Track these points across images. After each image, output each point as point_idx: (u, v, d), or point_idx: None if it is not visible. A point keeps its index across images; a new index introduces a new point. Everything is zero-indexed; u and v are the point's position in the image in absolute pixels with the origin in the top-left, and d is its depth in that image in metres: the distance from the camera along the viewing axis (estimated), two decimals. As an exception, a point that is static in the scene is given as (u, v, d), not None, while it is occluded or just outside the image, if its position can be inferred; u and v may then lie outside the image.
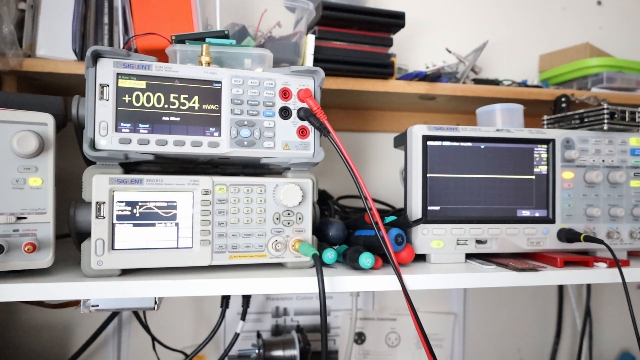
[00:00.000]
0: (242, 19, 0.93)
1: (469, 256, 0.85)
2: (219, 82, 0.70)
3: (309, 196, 0.73)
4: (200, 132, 0.69)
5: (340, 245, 0.82)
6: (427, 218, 0.80)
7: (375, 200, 1.21)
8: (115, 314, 1.12)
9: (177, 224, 0.68)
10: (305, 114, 0.72)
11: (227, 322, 1.21)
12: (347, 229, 0.82)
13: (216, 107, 0.70)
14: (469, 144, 0.82)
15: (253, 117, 0.71)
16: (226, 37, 0.79)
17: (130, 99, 0.66)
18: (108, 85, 0.65)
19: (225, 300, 0.99)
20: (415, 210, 0.80)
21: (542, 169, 0.84)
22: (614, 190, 0.86)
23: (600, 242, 0.78)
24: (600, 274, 0.79)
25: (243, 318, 1.03)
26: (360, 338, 1.30)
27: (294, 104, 0.73)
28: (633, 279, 0.79)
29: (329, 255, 0.71)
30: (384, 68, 1.02)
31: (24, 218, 0.63)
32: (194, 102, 0.69)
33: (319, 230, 0.81)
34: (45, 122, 0.64)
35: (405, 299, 0.66)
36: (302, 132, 0.74)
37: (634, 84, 1.20)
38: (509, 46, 1.40)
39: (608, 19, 1.48)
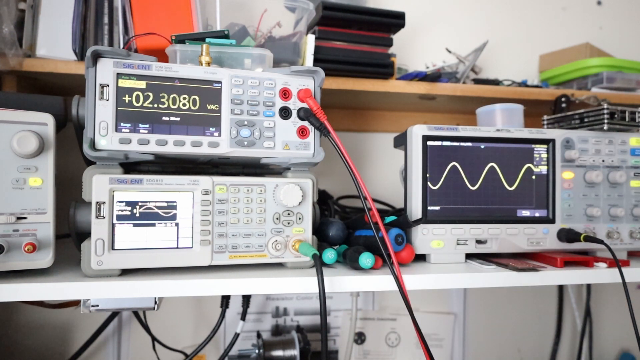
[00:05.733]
0: (242, 19, 0.93)
1: (469, 256, 0.85)
2: (219, 82, 0.70)
3: (309, 196, 0.73)
4: (200, 132, 0.69)
5: (340, 245, 0.82)
6: (427, 218, 0.80)
7: (375, 200, 1.21)
8: (115, 314, 1.12)
9: (177, 224, 0.68)
10: (305, 114, 0.72)
11: (227, 322, 1.21)
12: (347, 229, 0.82)
13: (216, 107, 0.70)
14: (469, 144, 0.82)
15: (253, 117, 0.71)
16: (226, 37, 0.79)
17: (130, 99, 0.66)
18: (108, 85, 0.65)
19: (225, 300, 0.99)
20: (415, 210, 0.80)
21: (542, 169, 0.84)
22: (614, 190, 0.86)
23: (600, 242, 0.78)
24: (600, 274, 0.79)
25: (243, 318, 1.03)
26: (360, 338, 1.30)
27: (294, 104, 0.73)
28: (633, 279, 0.79)
29: (329, 255, 0.71)
30: (384, 68, 1.02)
31: (24, 218, 0.63)
32: (194, 102, 0.69)
33: (319, 230, 0.81)
34: (45, 122, 0.64)
35: (404, 300, 0.66)
36: (302, 132, 0.74)
37: (634, 84, 1.20)
38: (509, 46, 1.40)
39: (608, 19, 1.48)
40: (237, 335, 1.03)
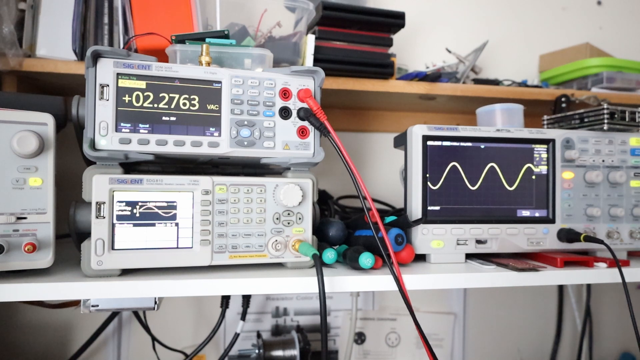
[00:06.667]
0: (242, 19, 0.93)
1: (469, 256, 0.85)
2: (219, 82, 0.70)
3: (309, 196, 0.73)
4: (200, 132, 0.69)
5: (340, 245, 0.82)
6: (427, 218, 0.80)
7: (375, 200, 1.21)
8: (115, 314, 1.12)
9: (177, 224, 0.68)
10: (305, 114, 0.72)
11: (227, 322, 1.21)
12: (347, 229, 0.82)
13: (216, 107, 0.70)
14: (469, 144, 0.82)
15: (253, 117, 0.71)
16: (226, 37, 0.79)
17: (130, 99, 0.66)
18: (108, 85, 0.65)
19: (225, 300, 0.99)
20: (415, 210, 0.80)
21: (542, 169, 0.84)
22: (614, 190, 0.86)
23: (600, 242, 0.78)
24: (600, 274, 0.79)
25: (243, 318, 1.03)
26: (360, 338, 1.30)
27: (294, 104, 0.73)
28: (633, 279, 0.79)
29: (329, 255, 0.71)
30: (384, 68, 1.02)
31: (24, 218, 0.63)
32: (194, 102, 0.69)
33: (319, 230, 0.81)
34: (45, 122, 0.64)
35: (404, 300, 0.66)
36: (302, 132, 0.74)
37: (634, 84, 1.20)
38: (509, 46, 1.40)
39: (608, 19, 1.48)
40: (237, 335, 1.03)
